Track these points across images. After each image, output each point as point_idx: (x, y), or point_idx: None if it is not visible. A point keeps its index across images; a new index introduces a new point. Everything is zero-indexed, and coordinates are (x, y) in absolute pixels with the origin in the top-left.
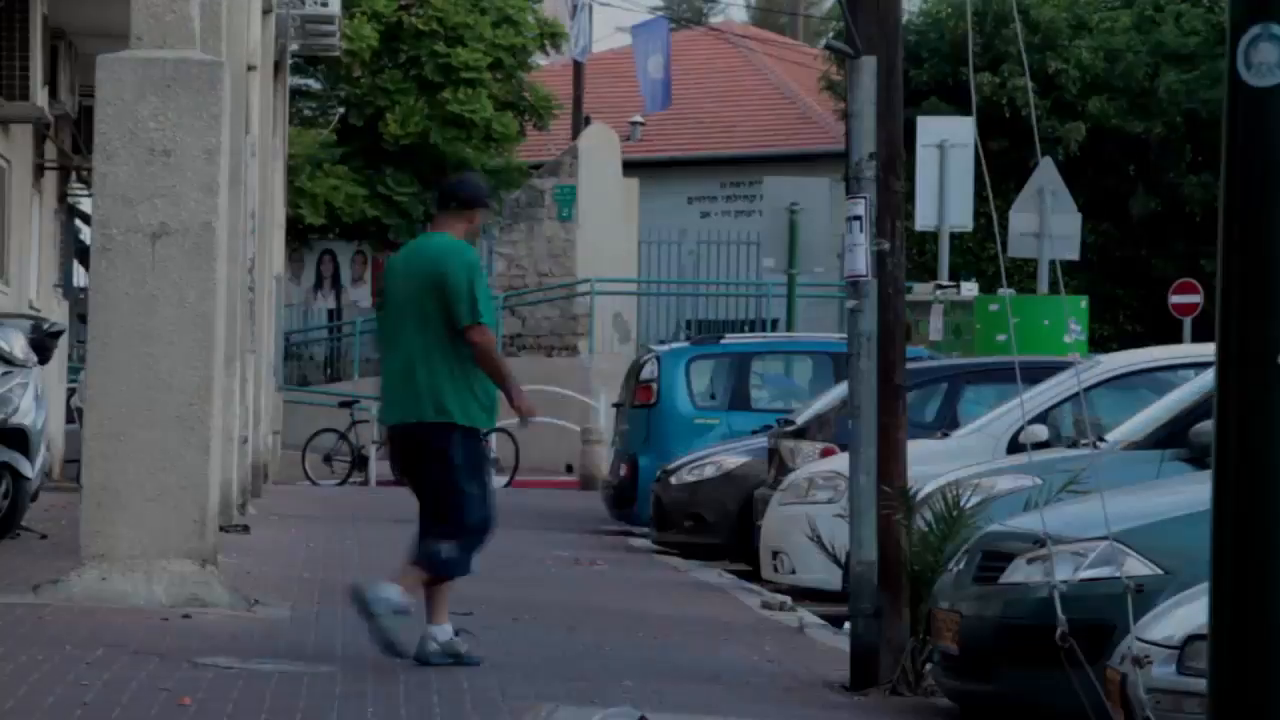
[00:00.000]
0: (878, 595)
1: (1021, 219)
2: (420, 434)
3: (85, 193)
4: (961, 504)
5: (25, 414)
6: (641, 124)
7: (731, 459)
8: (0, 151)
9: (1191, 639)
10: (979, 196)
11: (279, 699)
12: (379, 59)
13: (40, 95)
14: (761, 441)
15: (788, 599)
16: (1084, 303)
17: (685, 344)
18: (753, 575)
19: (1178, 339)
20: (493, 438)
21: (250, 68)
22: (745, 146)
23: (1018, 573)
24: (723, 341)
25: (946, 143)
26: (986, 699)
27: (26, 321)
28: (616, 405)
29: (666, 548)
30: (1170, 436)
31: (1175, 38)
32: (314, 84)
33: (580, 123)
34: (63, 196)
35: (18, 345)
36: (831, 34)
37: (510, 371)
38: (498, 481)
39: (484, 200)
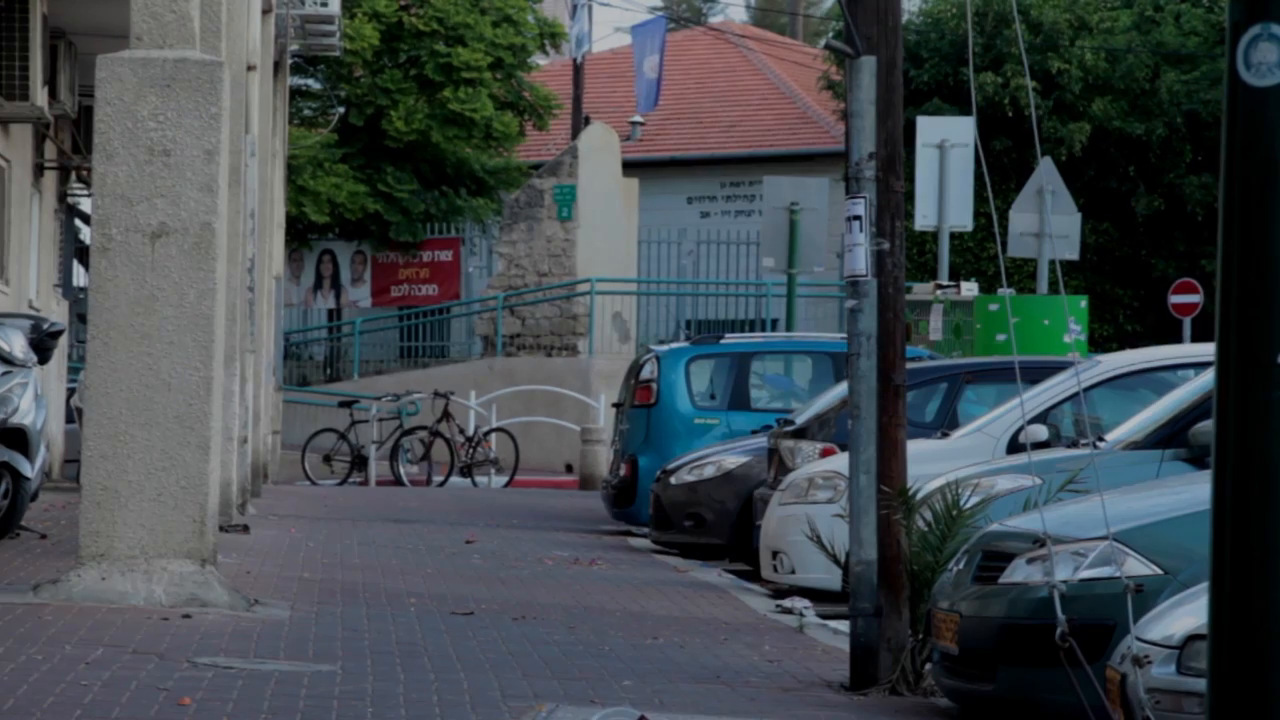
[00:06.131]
0: (877, 595)
1: (1021, 219)
2: None
3: (85, 192)
4: (961, 504)
5: (25, 414)
6: (641, 124)
7: (731, 459)
8: (0, 151)
9: (1191, 639)
10: (979, 196)
11: (279, 699)
12: (379, 58)
13: (40, 95)
14: (761, 441)
15: (807, 603)
16: (1084, 303)
17: (685, 344)
18: (753, 575)
19: (1178, 339)
20: (492, 437)
21: (250, 68)
22: (745, 146)
23: (1018, 572)
24: (722, 341)
25: (946, 142)
26: (986, 699)
27: (26, 321)
28: (616, 405)
29: (666, 547)
30: (1170, 436)
31: (1175, 38)
32: (314, 84)
33: (580, 122)
34: (63, 196)
35: (17, 345)
36: (831, 34)
37: None
38: (497, 481)
39: None
